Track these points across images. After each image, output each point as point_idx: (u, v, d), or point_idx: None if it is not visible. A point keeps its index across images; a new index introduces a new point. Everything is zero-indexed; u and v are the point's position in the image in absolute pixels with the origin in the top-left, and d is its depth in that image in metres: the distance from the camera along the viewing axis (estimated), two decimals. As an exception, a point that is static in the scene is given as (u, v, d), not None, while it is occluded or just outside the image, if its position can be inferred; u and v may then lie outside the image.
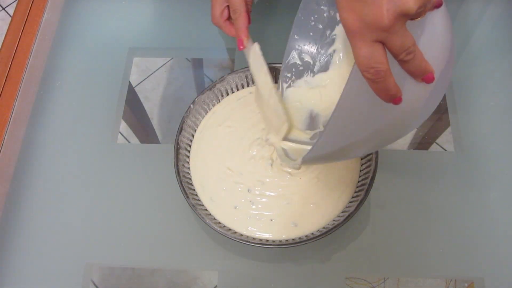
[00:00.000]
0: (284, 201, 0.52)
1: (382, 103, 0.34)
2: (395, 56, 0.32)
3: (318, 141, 0.38)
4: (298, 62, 0.53)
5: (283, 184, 0.52)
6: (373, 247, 0.52)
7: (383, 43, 0.31)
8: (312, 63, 0.54)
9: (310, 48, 0.53)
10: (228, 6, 0.54)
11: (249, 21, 0.52)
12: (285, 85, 0.54)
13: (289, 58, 0.53)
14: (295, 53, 0.53)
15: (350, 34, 0.32)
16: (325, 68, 0.53)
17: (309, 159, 0.43)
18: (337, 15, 0.51)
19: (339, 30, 0.52)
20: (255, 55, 0.52)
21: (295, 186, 0.52)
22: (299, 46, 0.53)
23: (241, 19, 0.51)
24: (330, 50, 0.53)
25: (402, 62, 0.32)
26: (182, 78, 0.66)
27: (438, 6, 0.33)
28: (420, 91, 0.35)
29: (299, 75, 0.54)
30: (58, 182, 0.57)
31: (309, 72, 0.54)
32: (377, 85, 0.32)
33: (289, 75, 0.54)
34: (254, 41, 0.52)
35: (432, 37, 0.34)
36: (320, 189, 0.52)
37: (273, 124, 0.52)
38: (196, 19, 0.68)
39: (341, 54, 0.52)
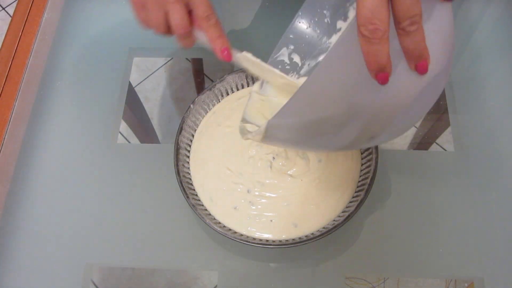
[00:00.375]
0: (284, 202, 0.52)
1: (366, 79, 0.31)
2: (399, 21, 0.29)
3: (289, 102, 0.33)
4: (287, 60, 0.52)
5: (283, 186, 0.52)
6: (373, 247, 0.52)
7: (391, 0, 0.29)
8: (300, 65, 0.52)
9: (302, 50, 0.52)
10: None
11: None
12: None
13: (278, 54, 0.52)
14: (286, 50, 0.52)
15: None
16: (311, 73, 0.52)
17: (275, 125, 0.38)
18: (337, 23, 0.50)
19: (336, 39, 0.50)
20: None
21: (295, 188, 0.52)
22: (291, 45, 0.52)
23: (219, 25, 0.43)
24: (321, 57, 0.51)
25: (403, 33, 0.30)
26: (182, 78, 0.66)
27: None
28: (410, 83, 0.32)
29: (284, 73, 0.52)
30: (58, 182, 0.57)
31: (295, 73, 0.53)
32: (370, 46, 0.29)
33: None
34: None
35: (437, 30, 0.32)
36: (321, 190, 0.52)
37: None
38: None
39: None
